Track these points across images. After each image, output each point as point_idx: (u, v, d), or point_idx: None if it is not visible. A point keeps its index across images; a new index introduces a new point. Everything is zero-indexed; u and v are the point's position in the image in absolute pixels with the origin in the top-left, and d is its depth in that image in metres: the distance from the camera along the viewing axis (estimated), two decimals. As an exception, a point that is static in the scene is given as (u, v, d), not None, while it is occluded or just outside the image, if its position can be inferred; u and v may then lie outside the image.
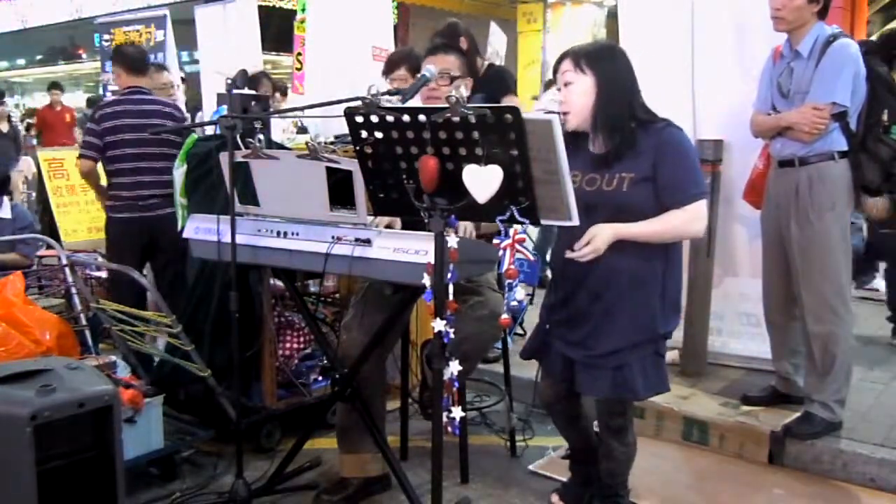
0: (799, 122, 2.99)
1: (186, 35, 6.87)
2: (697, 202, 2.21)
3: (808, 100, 2.99)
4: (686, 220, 2.21)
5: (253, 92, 3.12)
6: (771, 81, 3.17)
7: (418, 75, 2.19)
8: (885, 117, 3.02)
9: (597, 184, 2.27)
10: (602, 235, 2.15)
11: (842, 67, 2.93)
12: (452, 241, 1.92)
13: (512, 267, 2.09)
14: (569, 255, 2.17)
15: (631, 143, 2.24)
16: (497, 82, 4.44)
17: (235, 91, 2.86)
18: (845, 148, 3.01)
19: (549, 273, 2.77)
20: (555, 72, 2.36)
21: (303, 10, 6.77)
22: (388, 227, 2.57)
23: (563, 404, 2.55)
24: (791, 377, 3.35)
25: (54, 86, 11.46)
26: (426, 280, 1.96)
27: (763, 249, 3.33)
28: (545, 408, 2.70)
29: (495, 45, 6.22)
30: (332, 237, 2.41)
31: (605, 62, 2.26)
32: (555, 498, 2.76)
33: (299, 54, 6.78)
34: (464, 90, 1.97)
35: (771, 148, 3.22)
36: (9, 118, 10.72)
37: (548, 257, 3.85)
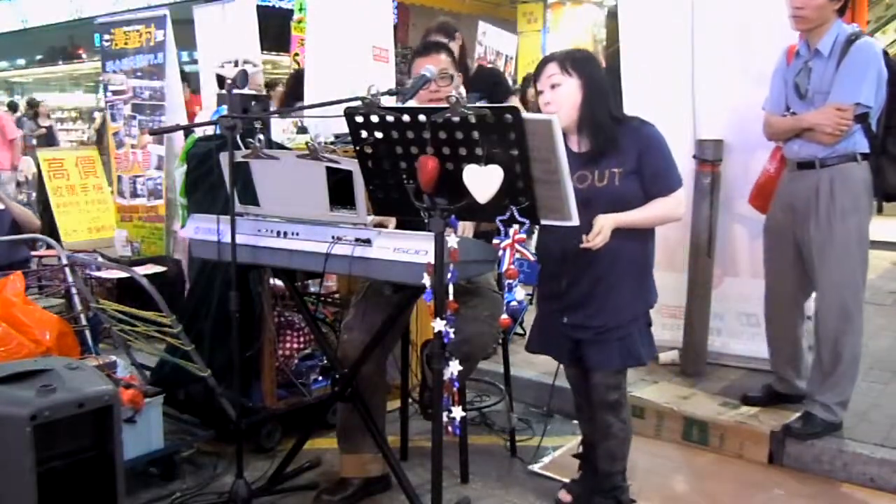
0: (821, 122, 2.89)
1: (186, 35, 6.85)
2: (678, 190, 2.47)
3: (831, 100, 2.90)
4: (672, 206, 2.46)
5: (253, 92, 3.11)
6: (785, 82, 3.08)
7: (419, 74, 2.19)
8: None
9: (588, 180, 2.43)
10: (608, 224, 2.34)
11: (866, 67, 2.85)
12: (452, 241, 1.92)
13: (512, 267, 2.10)
14: (584, 245, 2.33)
15: (614, 139, 2.42)
16: (494, 84, 4.47)
17: (235, 91, 2.86)
18: (867, 150, 2.93)
19: None
20: (536, 77, 2.50)
21: (300, 9, 6.77)
22: (379, 226, 2.57)
23: (588, 385, 2.62)
24: (791, 379, 3.33)
25: None
26: (426, 280, 1.97)
27: (768, 252, 3.28)
28: (573, 390, 2.76)
29: (492, 45, 6.18)
30: (333, 237, 2.41)
31: (588, 65, 2.46)
32: (562, 493, 2.79)
33: (297, 54, 6.78)
34: (463, 90, 1.97)
35: (786, 150, 3.13)
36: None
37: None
